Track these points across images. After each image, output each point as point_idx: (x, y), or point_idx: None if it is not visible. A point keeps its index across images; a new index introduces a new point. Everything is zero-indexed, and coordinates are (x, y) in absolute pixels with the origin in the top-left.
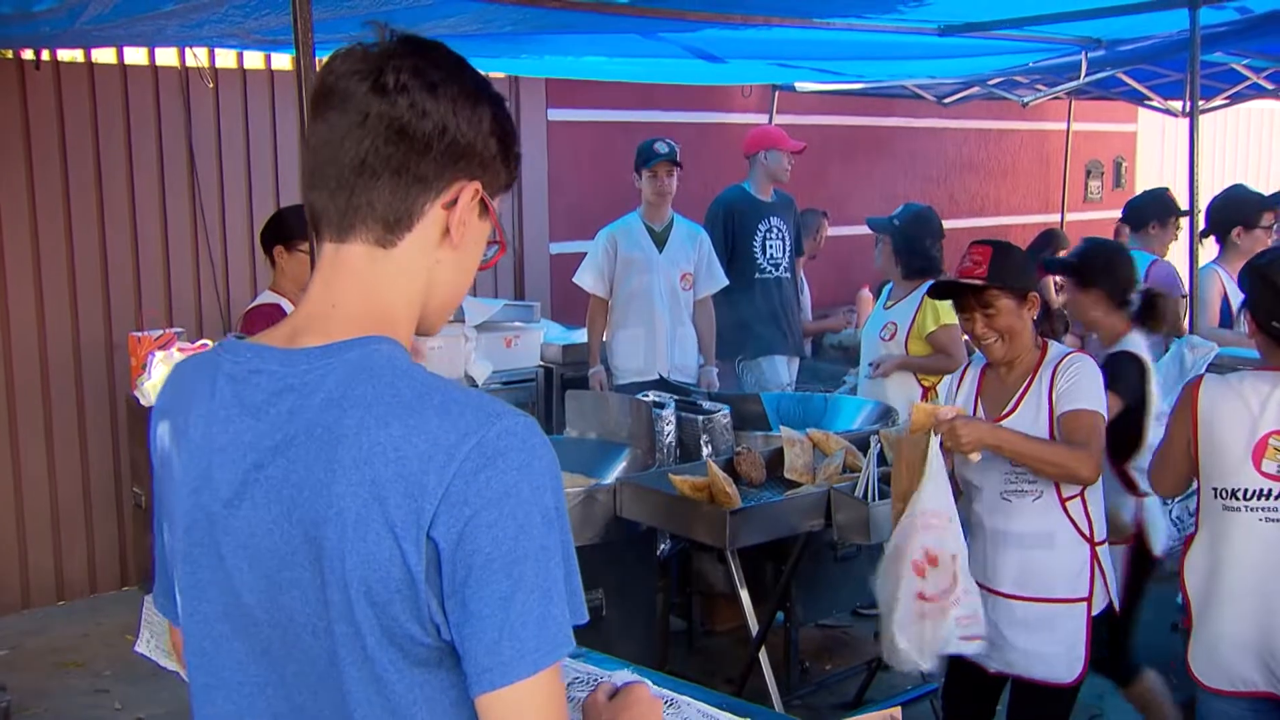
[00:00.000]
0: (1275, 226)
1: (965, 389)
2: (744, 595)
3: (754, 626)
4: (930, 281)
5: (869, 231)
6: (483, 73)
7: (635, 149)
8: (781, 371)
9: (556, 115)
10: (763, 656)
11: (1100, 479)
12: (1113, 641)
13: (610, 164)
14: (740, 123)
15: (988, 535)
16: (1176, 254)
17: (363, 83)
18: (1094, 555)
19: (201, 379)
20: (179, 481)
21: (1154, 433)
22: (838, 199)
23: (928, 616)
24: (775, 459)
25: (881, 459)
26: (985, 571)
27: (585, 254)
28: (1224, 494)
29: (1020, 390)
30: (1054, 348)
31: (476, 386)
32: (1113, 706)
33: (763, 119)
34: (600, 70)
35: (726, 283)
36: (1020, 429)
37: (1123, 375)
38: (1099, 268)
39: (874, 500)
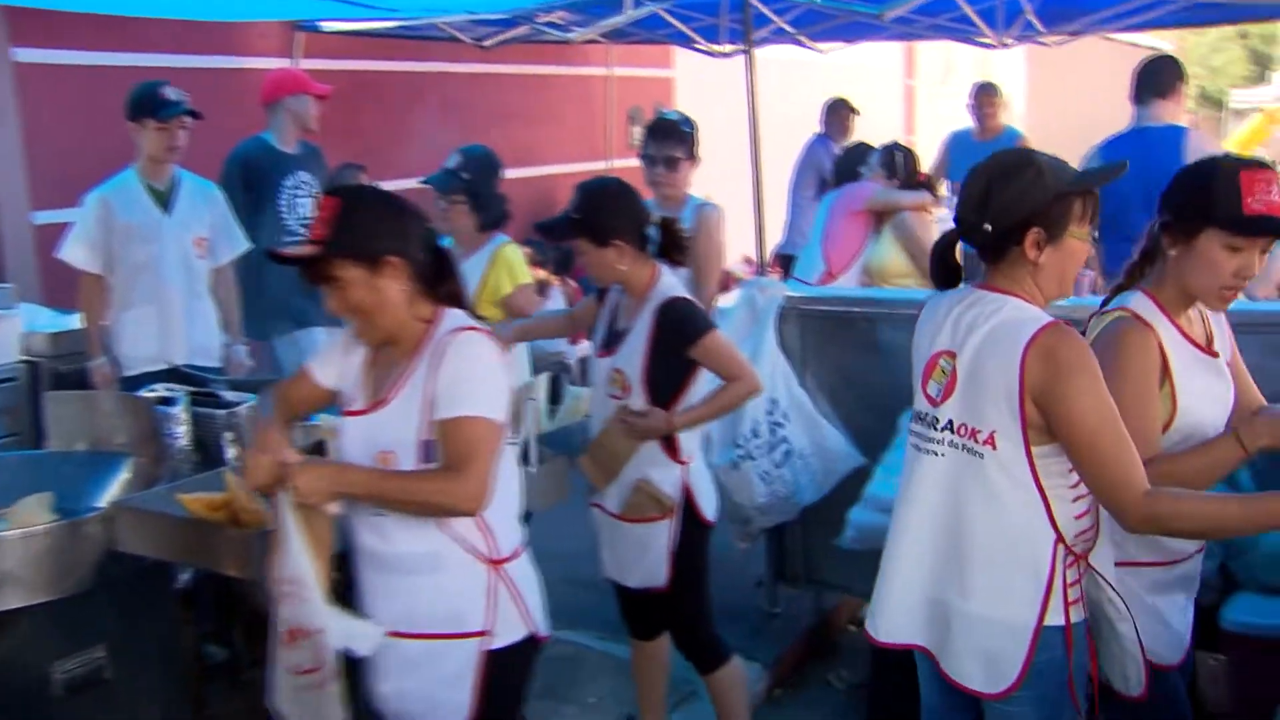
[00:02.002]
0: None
1: (354, 372)
2: None
3: None
4: (501, 236)
5: (413, 186)
6: None
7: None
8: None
9: (29, 56)
10: None
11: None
12: (686, 625)
13: (105, 116)
14: (258, 68)
15: (365, 559)
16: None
17: None
18: (499, 577)
19: None
20: None
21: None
22: (374, 151)
23: (307, 690)
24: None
25: None
26: (368, 604)
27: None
28: (913, 418)
29: (396, 378)
30: (447, 320)
31: None
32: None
33: (285, 63)
34: None
35: (248, 246)
36: (386, 430)
37: (696, 316)
38: (613, 214)
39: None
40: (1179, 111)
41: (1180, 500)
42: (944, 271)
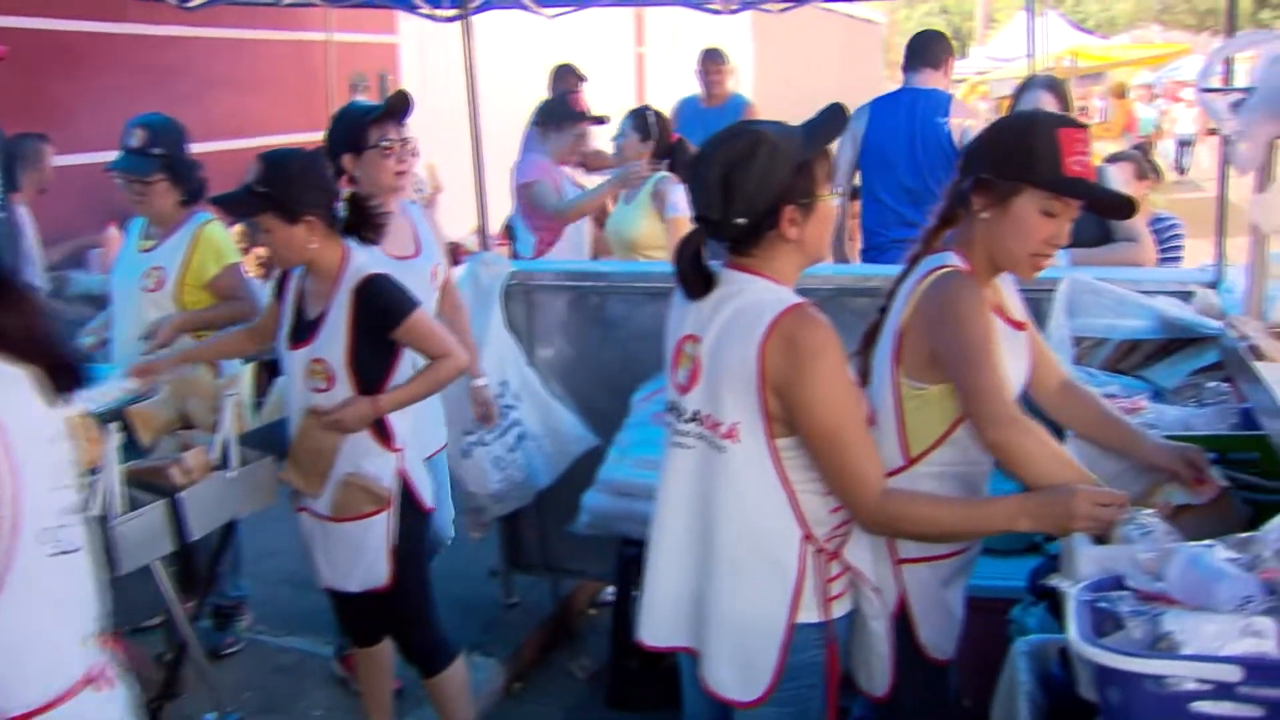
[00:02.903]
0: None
1: None
2: None
3: None
4: (202, 213)
5: (102, 160)
6: None
7: None
8: None
9: None
10: None
11: None
12: (409, 625)
13: None
14: None
15: None
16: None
17: None
18: None
19: None
20: None
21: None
22: (61, 121)
23: None
24: None
25: (130, 448)
26: None
27: None
28: (666, 407)
29: None
30: None
31: None
32: None
33: None
34: None
35: None
36: None
37: (397, 295)
38: (303, 188)
39: (115, 514)
40: (947, 83)
41: (912, 502)
42: (699, 280)
